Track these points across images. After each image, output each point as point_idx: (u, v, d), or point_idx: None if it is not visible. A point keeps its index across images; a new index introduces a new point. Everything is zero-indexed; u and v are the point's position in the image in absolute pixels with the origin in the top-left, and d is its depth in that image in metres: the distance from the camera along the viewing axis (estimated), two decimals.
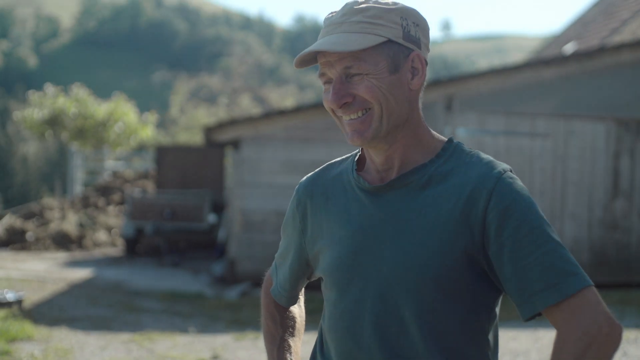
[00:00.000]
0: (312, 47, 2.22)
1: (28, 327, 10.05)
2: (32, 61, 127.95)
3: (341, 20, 2.24)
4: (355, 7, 2.25)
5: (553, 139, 14.11)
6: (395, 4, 2.27)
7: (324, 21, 2.30)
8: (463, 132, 13.85)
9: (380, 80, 2.22)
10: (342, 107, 2.25)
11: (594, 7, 23.40)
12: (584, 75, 14.41)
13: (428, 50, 2.34)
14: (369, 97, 2.23)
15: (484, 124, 14.00)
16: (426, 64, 2.31)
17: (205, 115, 49.30)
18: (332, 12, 2.31)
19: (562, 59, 14.69)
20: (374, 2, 2.26)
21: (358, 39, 2.20)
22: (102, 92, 49.82)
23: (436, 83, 13.96)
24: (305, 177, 2.54)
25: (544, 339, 9.82)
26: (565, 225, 13.98)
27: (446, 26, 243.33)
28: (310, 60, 2.28)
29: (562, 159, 14.12)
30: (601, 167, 14.18)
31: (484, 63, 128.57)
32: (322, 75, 2.29)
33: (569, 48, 19.61)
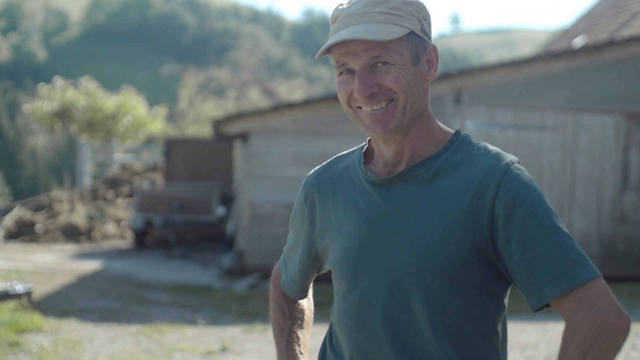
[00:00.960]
0: (344, 36, 2.21)
1: (37, 319, 10.08)
2: (41, 54, 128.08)
3: (364, 10, 2.24)
4: None
5: (562, 132, 14.09)
6: None
7: (338, 12, 2.29)
8: (472, 125, 13.84)
9: (406, 71, 2.24)
10: (369, 97, 2.25)
11: (604, 0, 23.32)
12: (593, 69, 14.38)
13: None
14: (396, 87, 2.23)
15: (493, 117, 13.99)
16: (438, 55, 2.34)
17: (214, 108, 49.32)
18: (342, 4, 2.31)
19: (572, 53, 14.66)
20: None
21: (388, 29, 2.21)
22: (111, 85, 49.86)
23: (445, 76, 13.94)
24: (312, 171, 2.54)
25: (553, 331, 9.82)
26: (574, 219, 13.96)
27: (455, 20, 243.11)
28: (327, 50, 2.27)
29: (571, 153, 14.10)
30: (610, 160, 14.15)
31: (492, 56, 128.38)
32: (342, 65, 2.28)
33: (579, 41, 19.56)
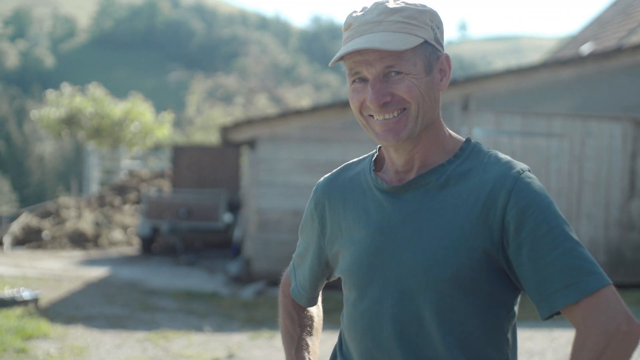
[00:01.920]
0: (358, 45, 2.21)
1: (44, 325, 10.08)
2: (49, 61, 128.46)
3: (379, 19, 2.24)
4: (389, 6, 2.25)
5: (570, 139, 14.07)
6: (423, 6, 2.28)
7: (352, 19, 2.29)
8: (479, 132, 13.83)
9: (419, 81, 2.24)
10: (381, 106, 2.24)
11: (612, 7, 23.30)
12: (601, 76, 14.36)
13: None
14: (409, 97, 2.23)
15: (501, 124, 13.97)
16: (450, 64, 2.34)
17: (222, 115, 49.31)
18: (355, 11, 2.31)
19: (579, 59, 14.64)
20: (404, 3, 2.26)
21: (402, 38, 2.21)
22: (119, 92, 49.94)
23: (453, 83, 13.92)
24: (322, 178, 2.54)
25: (560, 338, 9.79)
26: (581, 226, 13.93)
27: (462, 27, 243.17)
28: (340, 58, 2.27)
29: (579, 160, 14.07)
30: (618, 167, 14.12)
31: (500, 63, 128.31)
32: (355, 74, 2.27)
33: (586, 48, 19.54)
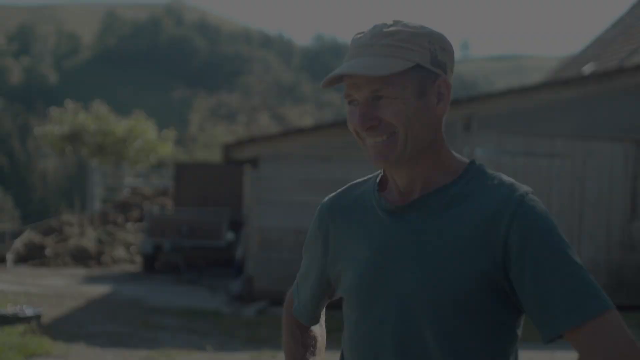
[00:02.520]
0: (342, 70, 2.21)
1: (46, 343, 10.09)
2: (52, 77, 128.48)
3: (370, 42, 2.23)
4: (384, 29, 2.24)
5: (571, 159, 14.08)
6: (423, 28, 2.26)
7: (352, 42, 2.29)
8: (481, 152, 13.84)
9: (407, 105, 2.22)
10: (368, 130, 2.25)
11: (613, 28, 23.34)
12: (602, 96, 14.38)
13: (452, 73, 2.35)
14: (395, 121, 2.22)
15: (503, 144, 14.00)
16: (450, 87, 2.32)
17: (224, 133, 49.45)
18: (359, 33, 2.30)
19: (581, 80, 14.67)
20: (403, 26, 2.25)
21: (388, 62, 2.19)
22: (122, 109, 50.00)
23: (455, 103, 13.93)
24: (327, 198, 2.54)
25: None
26: (582, 247, 13.93)
27: (464, 46, 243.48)
28: (337, 79, 2.27)
29: (581, 180, 14.09)
30: (619, 188, 14.13)
31: (502, 83, 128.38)
32: (347, 96, 2.28)
33: (588, 69, 19.58)
